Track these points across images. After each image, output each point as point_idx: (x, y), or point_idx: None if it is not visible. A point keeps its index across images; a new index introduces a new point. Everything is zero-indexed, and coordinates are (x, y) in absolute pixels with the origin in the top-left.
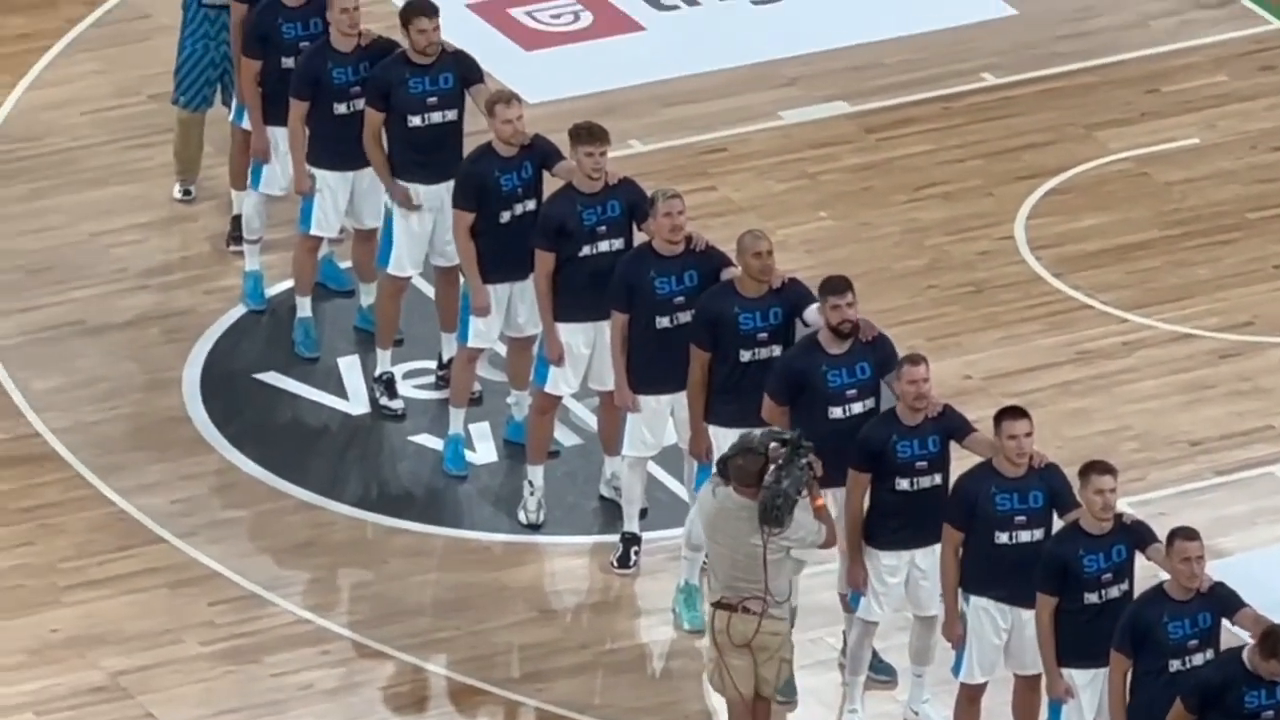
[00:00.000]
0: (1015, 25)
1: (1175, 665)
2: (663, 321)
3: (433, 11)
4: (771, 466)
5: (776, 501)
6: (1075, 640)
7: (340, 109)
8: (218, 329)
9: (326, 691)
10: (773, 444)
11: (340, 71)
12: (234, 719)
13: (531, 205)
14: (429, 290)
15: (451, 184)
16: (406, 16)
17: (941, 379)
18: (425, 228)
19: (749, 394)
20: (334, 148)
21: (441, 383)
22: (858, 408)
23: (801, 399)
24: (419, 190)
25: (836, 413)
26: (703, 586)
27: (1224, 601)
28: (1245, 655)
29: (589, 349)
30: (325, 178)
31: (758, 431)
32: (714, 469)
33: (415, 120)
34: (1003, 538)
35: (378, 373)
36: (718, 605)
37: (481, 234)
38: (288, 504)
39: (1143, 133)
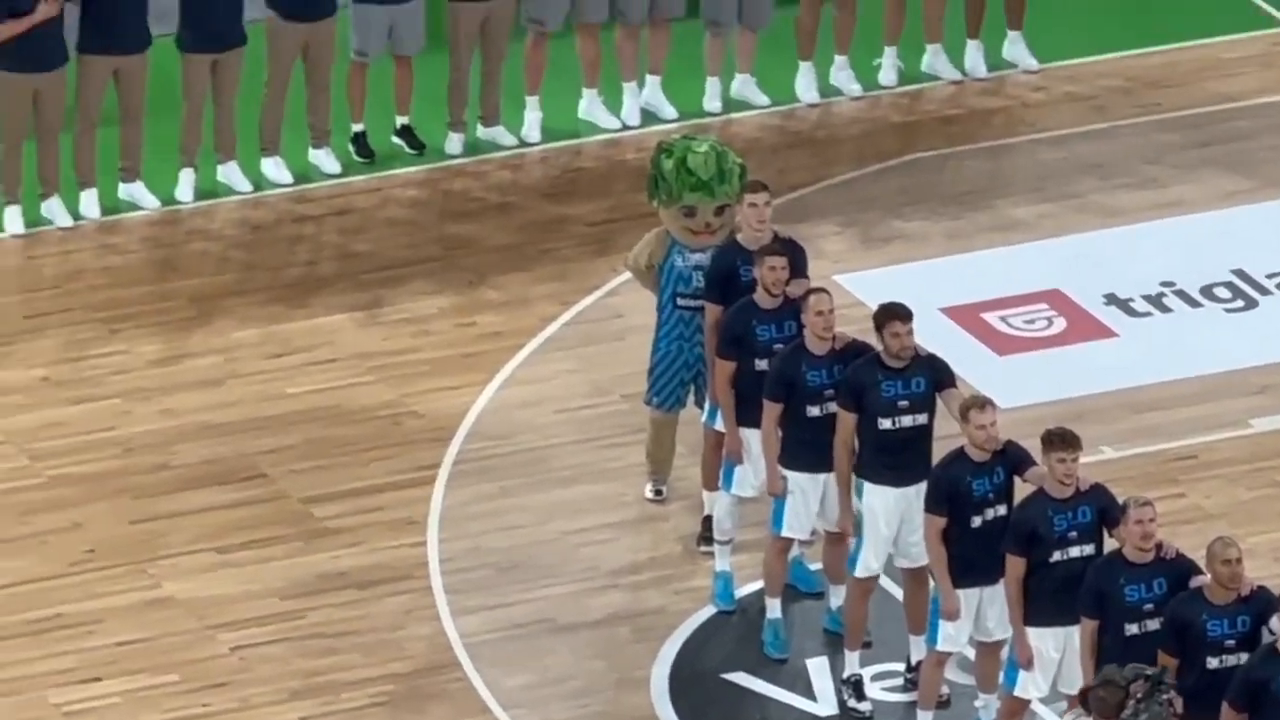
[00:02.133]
0: None
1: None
2: (1131, 629)
3: (907, 315)
4: (1130, 701)
5: None
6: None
7: (813, 411)
8: (687, 628)
9: None
10: (1135, 680)
11: (814, 374)
12: None
13: (1003, 510)
14: (897, 592)
15: (920, 487)
16: (881, 320)
17: None
18: (891, 530)
19: (1213, 699)
20: (806, 450)
21: (910, 685)
22: None
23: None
24: (888, 492)
25: None
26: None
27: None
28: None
29: (1059, 653)
30: (797, 479)
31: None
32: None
33: (886, 423)
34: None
35: (846, 674)
36: None
37: (952, 539)
38: None
39: None
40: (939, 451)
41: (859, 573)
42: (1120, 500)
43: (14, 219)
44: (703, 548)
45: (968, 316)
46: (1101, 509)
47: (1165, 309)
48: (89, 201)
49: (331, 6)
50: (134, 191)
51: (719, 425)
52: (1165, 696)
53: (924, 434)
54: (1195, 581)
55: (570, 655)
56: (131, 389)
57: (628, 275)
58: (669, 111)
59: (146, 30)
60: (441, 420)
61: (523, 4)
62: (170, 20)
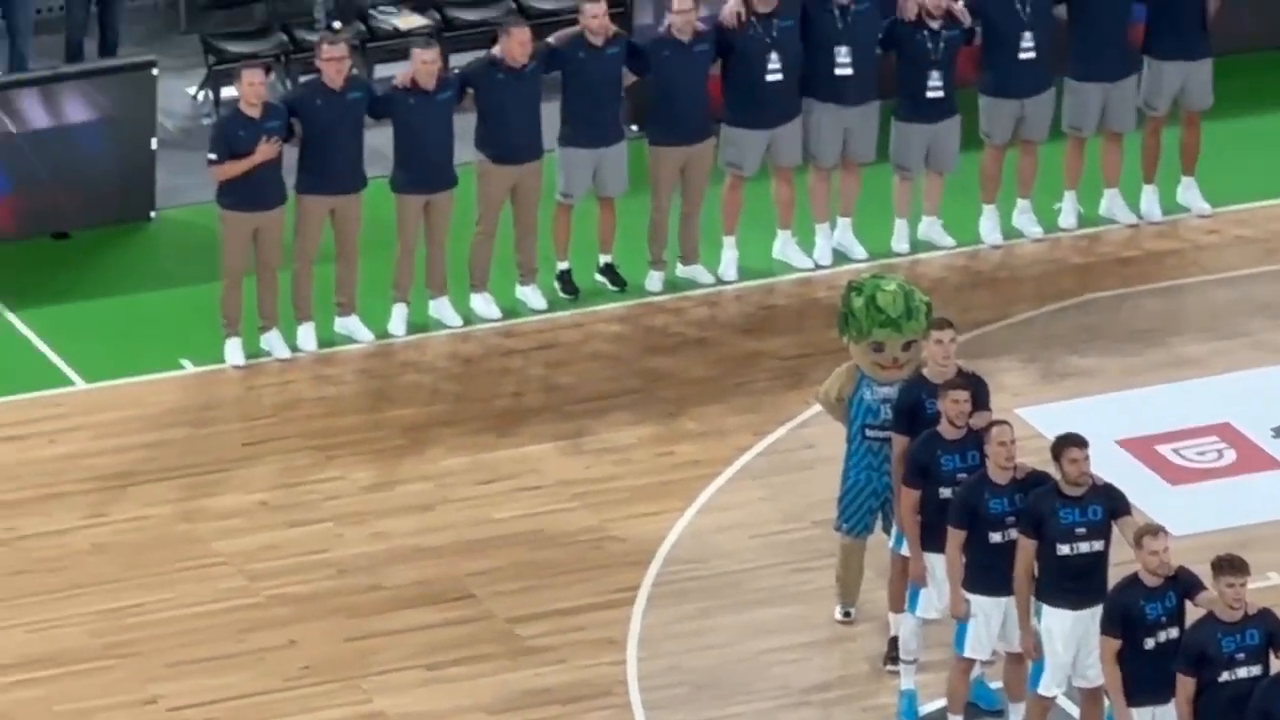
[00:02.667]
0: None
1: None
2: None
3: (1083, 445)
4: None
5: None
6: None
7: (995, 537)
8: None
9: None
10: None
11: (996, 502)
12: None
13: (1175, 632)
14: (1074, 710)
15: (1096, 610)
16: (1059, 449)
17: None
18: (1070, 652)
19: None
20: (988, 574)
21: None
22: None
23: None
24: (1066, 615)
25: None
26: None
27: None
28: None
29: None
30: (980, 603)
31: None
32: None
33: (1064, 549)
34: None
35: None
36: None
37: (1126, 660)
38: None
39: None
40: (1114, 576)
41: (1040, 692)
42: None
43: (235, 351)
44: (889, 667)
45: (1142, 448)
46: (1269, 632)
47: None
48: (306, 335)
49: (539, 150)
50: (349, 325)
51: (905, 550)
52: None
53: (1100, 559)
54: None
55: None
56: (345, 513)
57: (819, 407)
58: (859, 252)
59: (362, 171)
60: (641, 544)
61: (721, 148)
62: (385, 162)
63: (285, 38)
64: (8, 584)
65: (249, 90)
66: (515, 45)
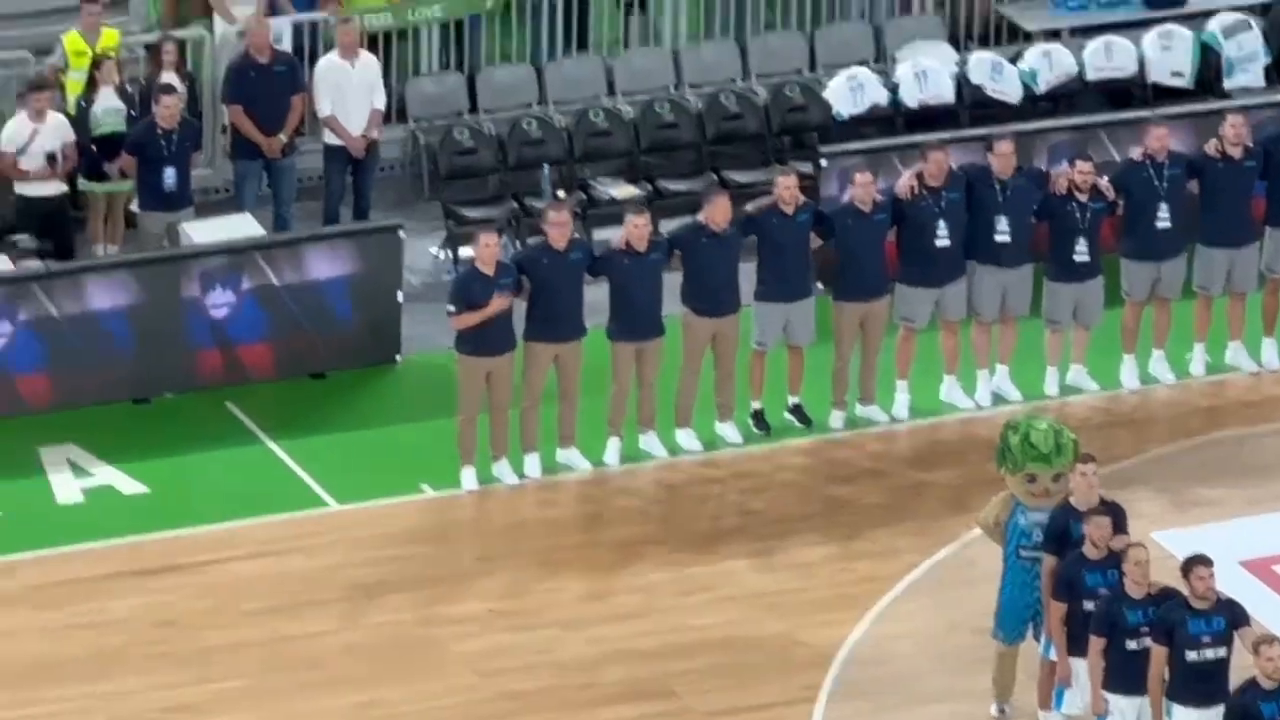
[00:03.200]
0: None
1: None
2: None
3: (1209, 563)
4: None
5: None
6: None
7: (1131, 645)
8: None
9: None
10: None
11: (1133, 614)
12: None
13: None
14: None
15: (1220, 709)
16: (1187, 568)
17: None
18: None
19: None
20: (1125, 677)
21: None
22: None
23: None
24: (1192, 713)
25: None
26: None
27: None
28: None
29: None
30: (1117, 702)
31: None
32: None
33: (1192, 655)
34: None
35: None
36: None
37: None
38: None
39: None
40: (1236, 679)
41: None
42: None
43: (469, 478)
44: None
45: (1261, 568)
46: None
47: None
48: (532, 464)
49: (737, 304)
50: (569, 456)
51: (1053, 655)
52: None
53: (1224, 665)
54: None
55: None
56: (565, 620)
57: (979, 531)
58: (1015, 395)
59: (581, 322)
60: (823, 648)
61: (896, 304)
62: (602, 314)
63: (516, 205)
64: (270, 679)
65: (484, 250)
66: (717, 212)
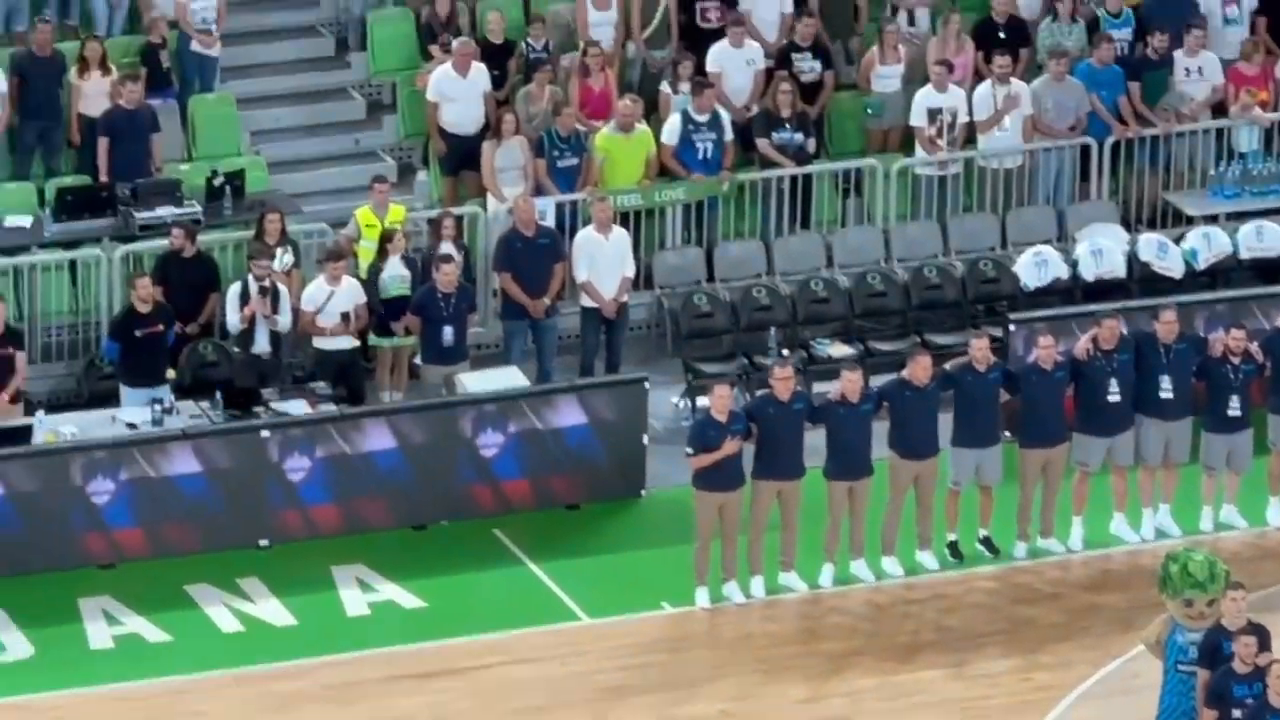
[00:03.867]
0: None
1: None
2: None
3: None
4: None
5: None
6: None
7: None
8: None
9: None
10: None
11: (1274, 719)
12: None
13: None
14: None
15: None
16: None
17: None
18: None
19: None
20: None
21: None
22: None
23: None
24: None
25: None
26: None
27: None
28: None
29: None
30: None
31: None
32: None
33: None
34: None
35: None
36: None
37: None
38: None
39: None
40: None
41: None
42: None
43: (703, 597)
44: None
45: None
46: None
47: None
48: (757, 585)
49: (935, 450)
50: (790, 579)
51: None
52: None
53: None
54: None
55: None
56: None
57: (1143, 648)
58: (1175, 531)
59: (802, 463)
60: None
61: (1073, 450)
62: (820, 456)
63: (746, 361)
64: None
65: (718, 401)
66: (919, 370)
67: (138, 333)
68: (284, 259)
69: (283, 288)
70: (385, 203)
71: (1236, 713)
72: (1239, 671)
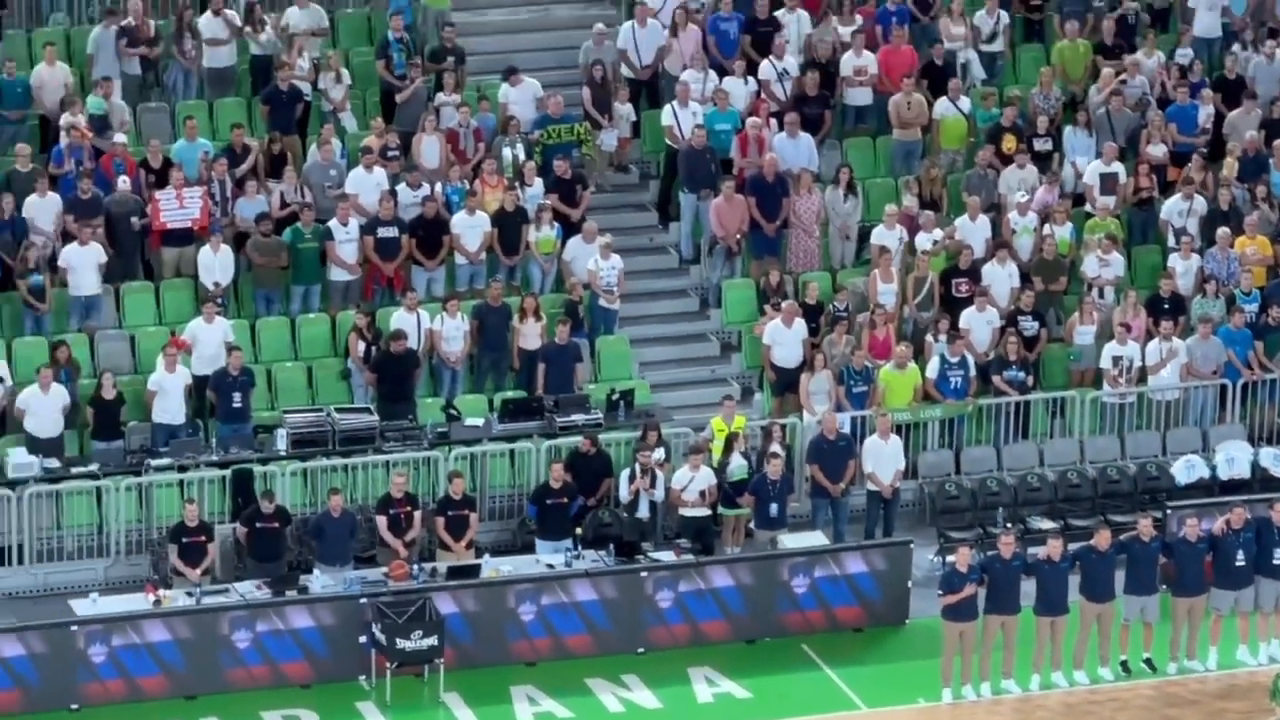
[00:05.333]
0: None
1: None
2: None
3: None
4: None
5: None
6: None
7: None
8: None
9: None
10: None
11: None
12: None
13: None
14: None
15: None
16: None
17: None
18: None
19: None
20: None
21: None
22: None
23: None
24: None
25: None
26: None
27: None
28: None
29: None
30: None
31: None
32: None
33: None
34: None
35: None
36: None
37: None
38: None
39: None
40: None
41: None
42: None
43: (947, 695)
44: None
45: None
46: None
47: None
48: (986, 688)
49: (1112, 596)
50: (1009, 685)
51: None
52: None
53: None
54: None
55: None
56: None
57: None
58: None
59: (1019, 603)
60: None
61: (1210, 599)
62: (1030, 598)
63: (981, 530)
64: None
65: (961, 558)
66: (1103, 539)
67: (549, 501)
68: (658, 452)
69: (659, 472)
70: (732, 414)
71: None
72: None
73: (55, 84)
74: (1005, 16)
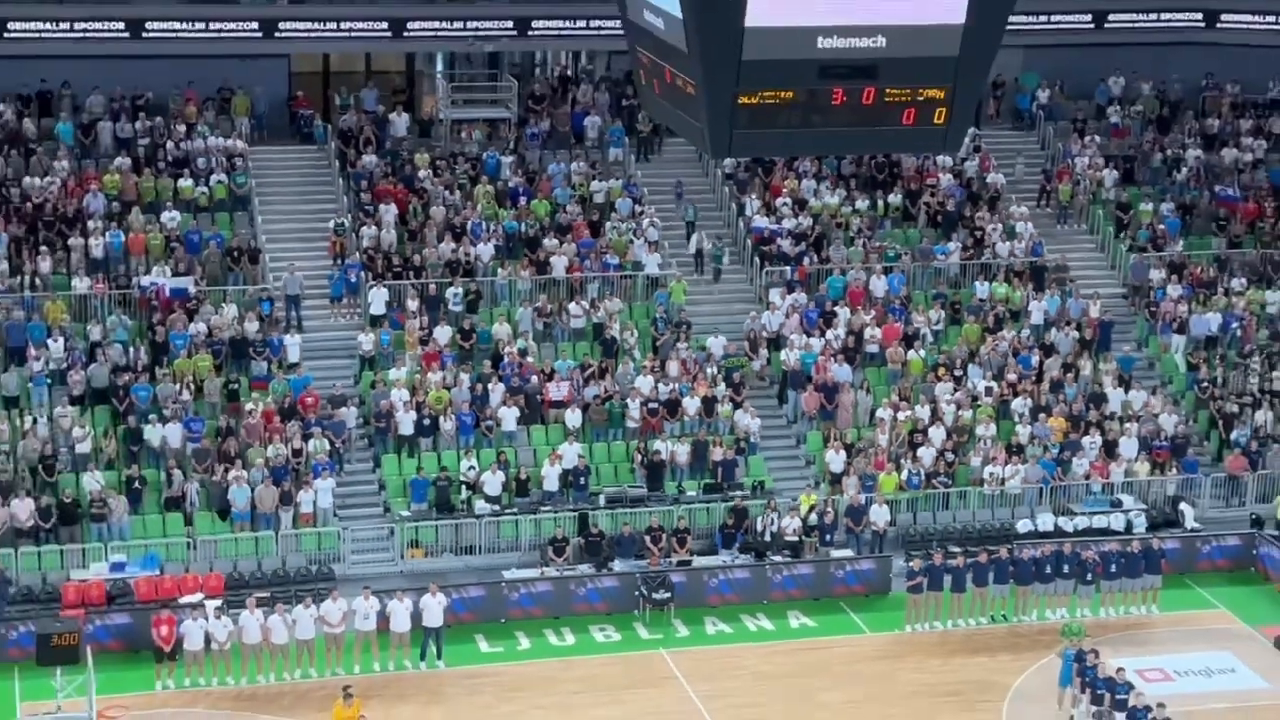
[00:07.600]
0: None
1: None
2: None
3: None
4: None
5: None
6: None
7: None
8: None
9: None
10: None
11: None
12: None
13: None
14: None
15: None
16: None
17: None
18: None
19: None
20: None
21: None
22: None
23: None
24: None
25: None
26: None
27: None
28: None
29: None
30: None
31: None
32: None
33: None
34: None
35: None
36: None
37: None
38: None
39: None
40: None
41: None
42: None
43: (908, 629)
44: None
45: None
46: None
47: None
48: (937, 625)
49: (987, 582)
50: None
51: None
52: None
53: None
54: None
55: None
56: None
57: None
58: None
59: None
60: None
61: None
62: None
63: (925, 551)
64: None
65: (914, 564)
66: None
67: (726, 533)
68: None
69: (775, 516)
70: (810, 494)
71: None
72: None
73: None
74: None
